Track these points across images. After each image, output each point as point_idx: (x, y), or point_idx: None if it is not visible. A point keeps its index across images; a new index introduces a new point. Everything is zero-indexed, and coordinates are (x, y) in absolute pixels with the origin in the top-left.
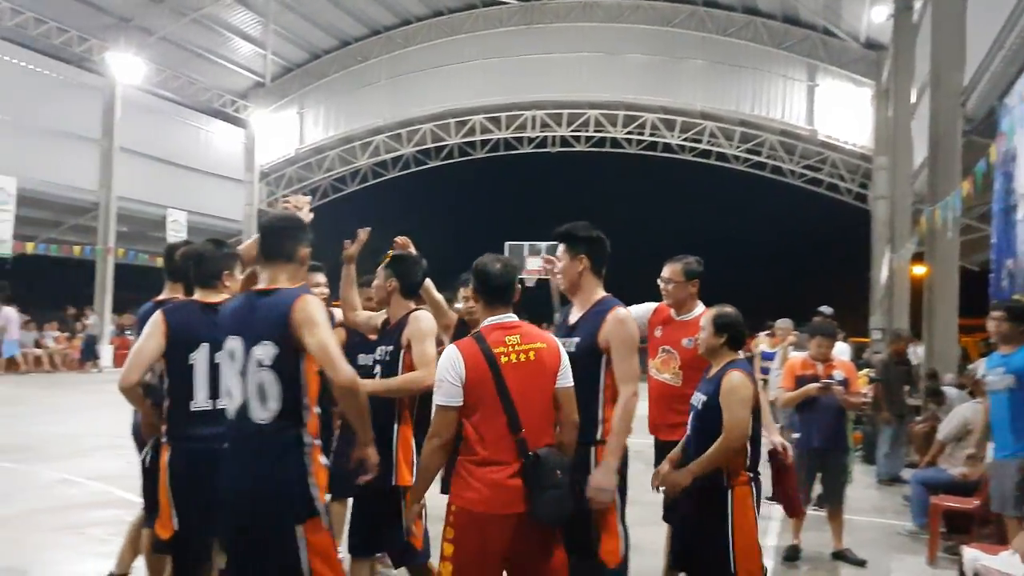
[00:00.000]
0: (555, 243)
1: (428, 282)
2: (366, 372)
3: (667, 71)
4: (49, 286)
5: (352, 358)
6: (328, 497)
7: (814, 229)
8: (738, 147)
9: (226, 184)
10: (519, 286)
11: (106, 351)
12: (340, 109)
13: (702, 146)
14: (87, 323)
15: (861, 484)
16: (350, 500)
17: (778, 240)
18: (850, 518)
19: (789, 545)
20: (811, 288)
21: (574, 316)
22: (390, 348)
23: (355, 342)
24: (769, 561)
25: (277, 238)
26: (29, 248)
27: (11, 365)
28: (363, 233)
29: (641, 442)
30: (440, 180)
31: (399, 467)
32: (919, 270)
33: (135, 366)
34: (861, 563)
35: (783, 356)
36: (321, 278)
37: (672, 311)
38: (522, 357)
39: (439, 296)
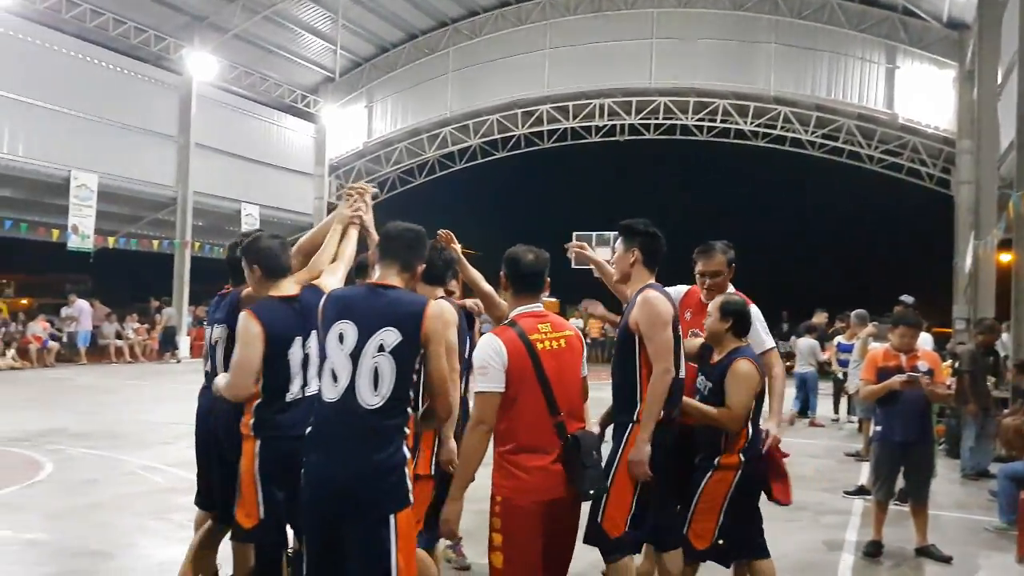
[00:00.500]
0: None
1: (477, 275)
2: None
3: (739, 56)
4: (129, 279)
5: None
6: None
7: (894, 216)
8: (814, 132)
9: (297, 178)
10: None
11: (184, 342)
12: (408, 102)
13: (776, 132)
14: (163, 315)
15: (945, 479)
16: None
17: (856, 228)
18: (934, 514)
19: (870, 541)
20: (891, 277)
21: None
22: None
23: None
24: (849, 556)
25: (405, 247)
26: (111, 243)
27: (101, 355)
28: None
29: None
30: (507, 171)
31: (421, 455)
32: (1005, 257)
33: (245, 379)
34: (947, 560)
35: (862, 348)
36: None
37: (703, 295)
38: (555, 344)
39: (489, 288)
